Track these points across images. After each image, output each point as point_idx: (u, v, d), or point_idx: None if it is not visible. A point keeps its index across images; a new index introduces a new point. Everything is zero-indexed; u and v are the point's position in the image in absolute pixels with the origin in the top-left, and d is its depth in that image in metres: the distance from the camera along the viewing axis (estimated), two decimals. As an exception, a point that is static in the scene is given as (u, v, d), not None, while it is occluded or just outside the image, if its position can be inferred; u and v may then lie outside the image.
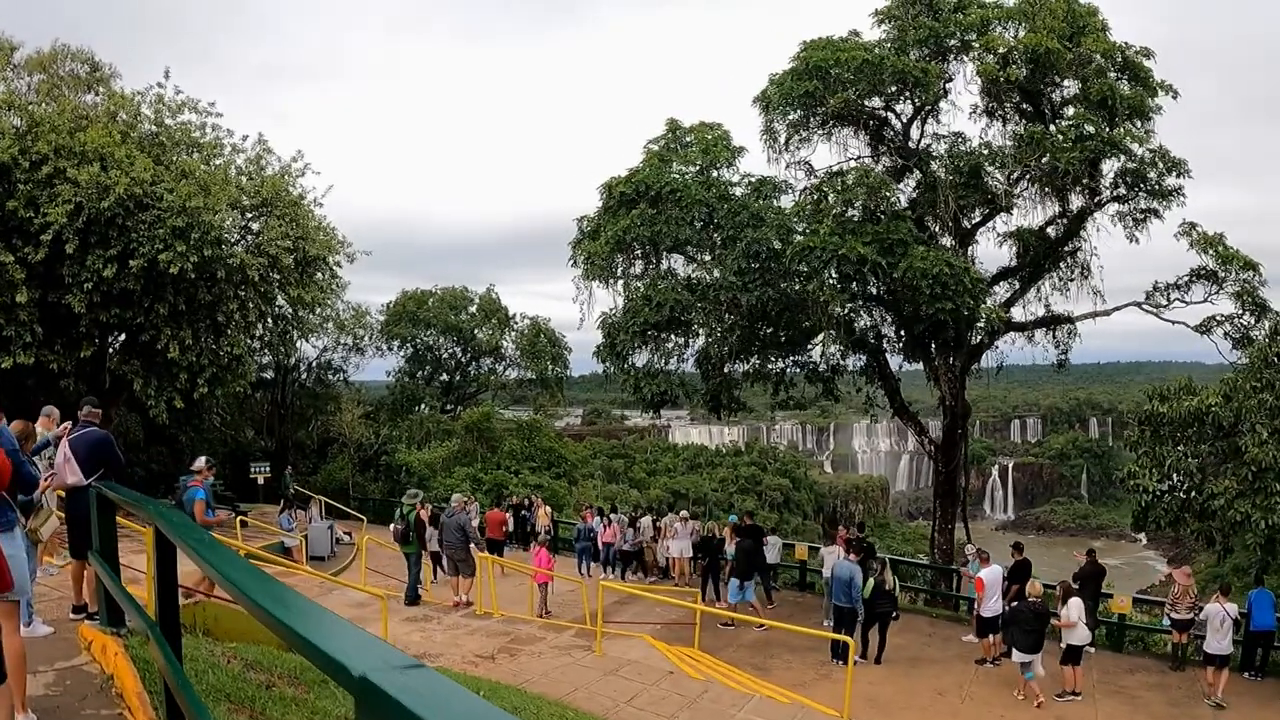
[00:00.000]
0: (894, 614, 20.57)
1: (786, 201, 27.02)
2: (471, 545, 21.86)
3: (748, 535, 25.52)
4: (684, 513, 29.72)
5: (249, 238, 29.71)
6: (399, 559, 29.12)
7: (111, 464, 9.81)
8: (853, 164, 27.36)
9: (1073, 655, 18.67)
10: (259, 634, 11.28)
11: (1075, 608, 18.63)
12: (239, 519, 28.70)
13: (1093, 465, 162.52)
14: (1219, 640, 18.55)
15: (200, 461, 16.28)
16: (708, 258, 26.87)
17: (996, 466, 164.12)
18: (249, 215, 30.03)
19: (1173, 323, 28.10)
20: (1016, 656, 18.46)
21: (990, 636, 20.35)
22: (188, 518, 5.12)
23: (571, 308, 32.18)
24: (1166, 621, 21.64)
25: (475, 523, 27.20)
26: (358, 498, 42.62)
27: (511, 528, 33.56)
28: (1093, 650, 21.94)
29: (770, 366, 29.98)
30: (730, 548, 26.64)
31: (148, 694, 6.96)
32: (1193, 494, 22.18)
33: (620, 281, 27.41)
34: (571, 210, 43.47)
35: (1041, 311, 29.95)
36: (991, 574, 20.67)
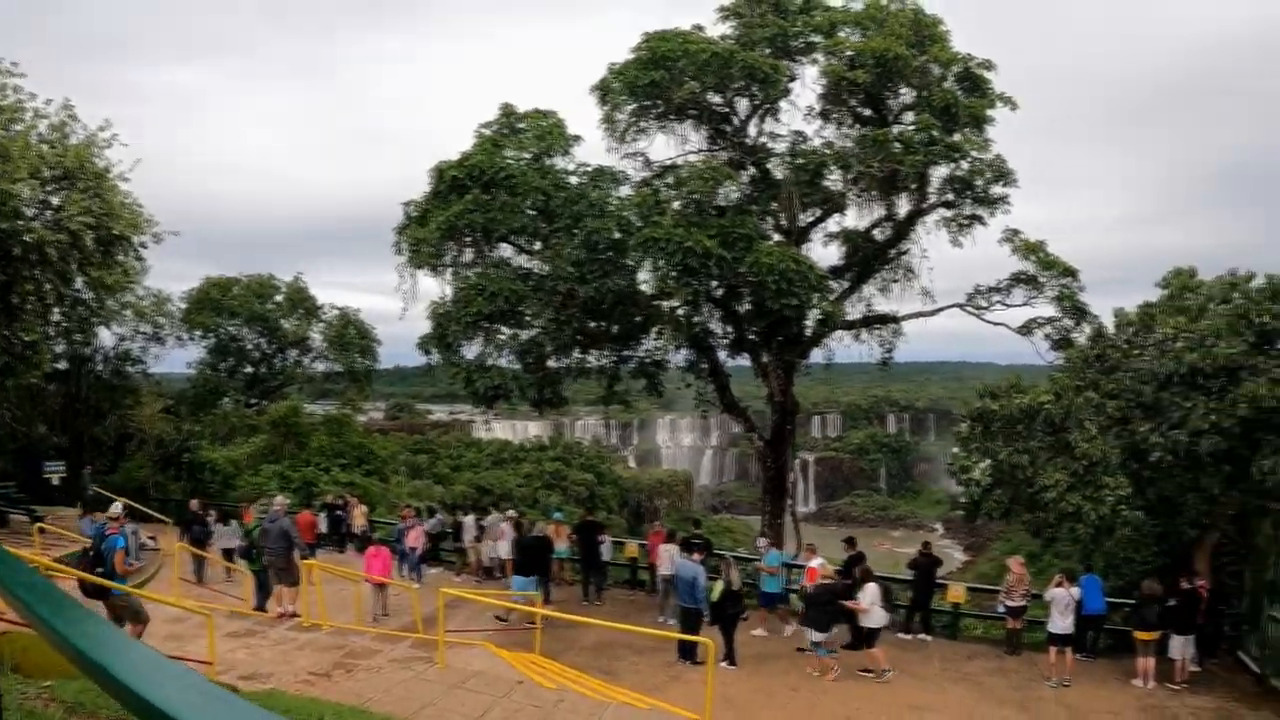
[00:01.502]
0: (743, 614, 20.57)
1: (624, 192, 26.58)
2: (295, 552, 20.75)
3: (584, 532, 25.33)
4: (511, 512, 28.91)
5: (48, 212, 27.72)
6: (209, 568, 27.87)
7: None
8: (691, 157, 27.03)
9: (871, 637, 19.79)
10: (68, 668, 10.28)
11: (870, 593, 19.76)
12: (36, 525, 27.00)
13: (891, 459, 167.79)
14: (1062, 622, 19.79)
15: (116, 507, 16.54)
16: (540, 247, 26.21)
17: (799, 460, 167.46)
18: (49, 187, 27.94)
19: (994, 324, 28.70)
20: (811, 635, 19.39)
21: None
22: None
23: (381, 300, 31.14)
24: (1001, 609, 22.27)
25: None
26: (159, 499, 40.50)
27: (325, 529, 32.44)
28: (928, 638, 23.18)
29: (602, 361, 29.50)
30: (561, 545, 26.29)
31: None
32: (1023, 486, 22.57)
33: (450, 270, 26.54)
34: (384, 202, 42.10)
35: (865, 311, 30.15)
36: (820, 564, 21.53)
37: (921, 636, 23.18)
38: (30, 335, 28.40)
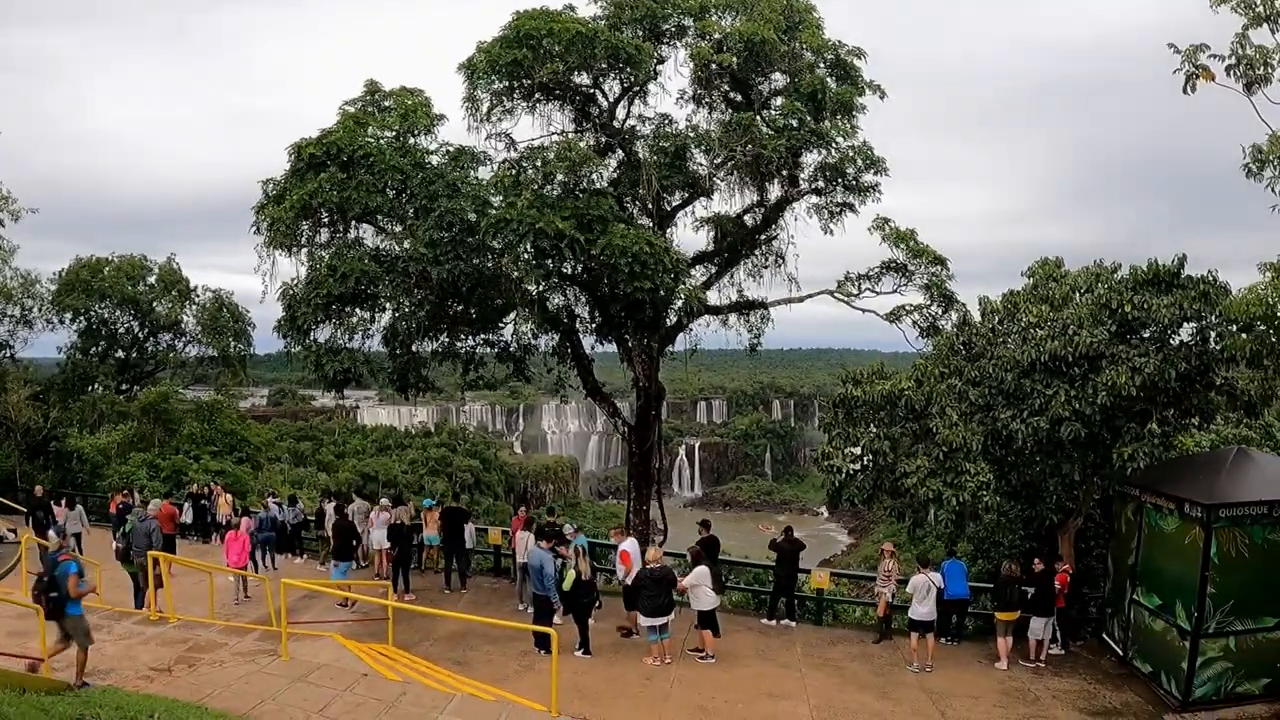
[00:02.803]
0: (596, 603, 20.50)
1: (485, 173, 26.22)
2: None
3: (448, 518, 25.19)
4: (384, 500, 28.52)
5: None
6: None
7: None
8: (556, 139, 26.72)
9: (704, 620, 20.00)
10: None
11: (698, 575, 19.92)
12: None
13: (776, 445, 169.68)
14: (922, 608, 19.94)
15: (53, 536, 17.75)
16: (399, 228, 25.77)
17: (684, 446, 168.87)
18: None
19: (863, 311, 28.76)
20: (643, 620, 19.40)
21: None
22: None
23: (255, 281, 30.56)
24: (890, 595, 22.54)
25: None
26: (26, 489, 39.45)
27: (190, 519, 31.86)
28: (793, 624, 23.31)
29: (460, 345, 29.12)
30: (430, 533, 26.14)
31: None
32: (885, 472, 22.71)
33: (305, 250, 26.01)
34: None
35: (735, 296, 30.12)
36: (632, 545, 21.61)
37: (785, 623, 23.25)
38: None
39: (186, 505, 31.74)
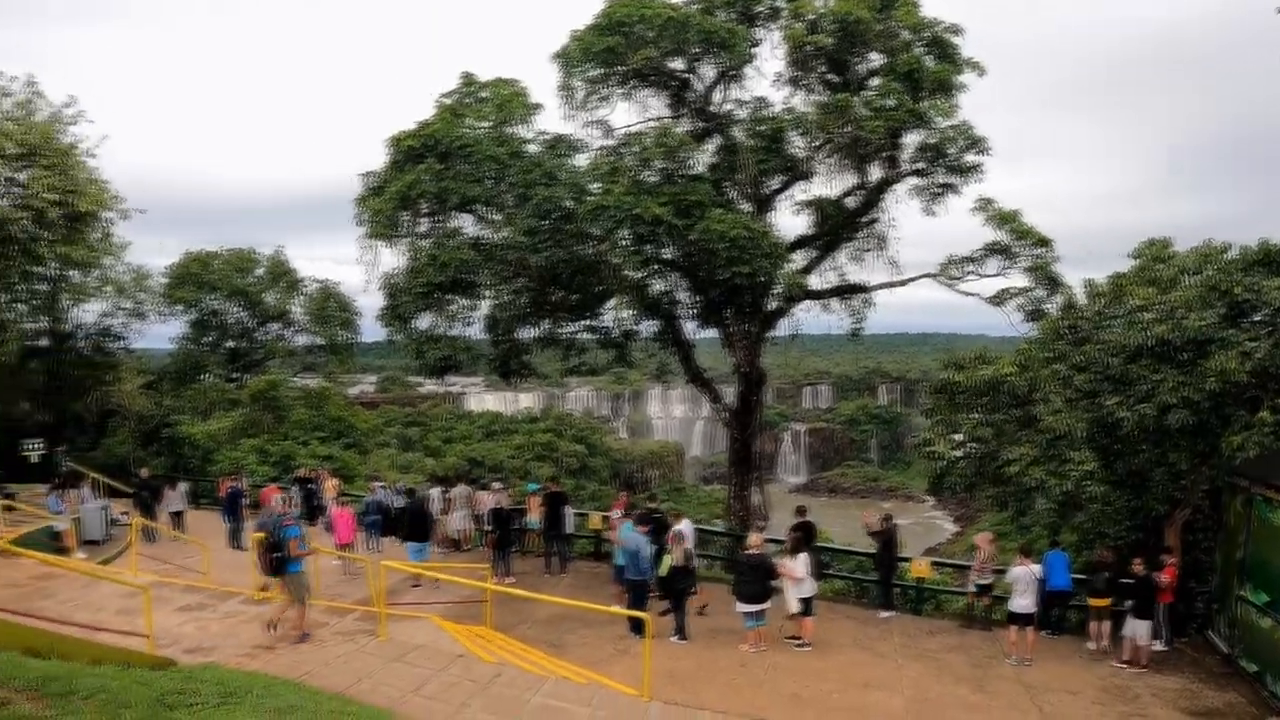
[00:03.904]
0: (693, 590, 20.40)
1: (582, 161, 26.31)
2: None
3: (549, 503, 25.32)
4: (496, 484, 28.83)
5: (14, 190, 27.69)
6: (178, 545, 27.87)
7: None
8: (652, 124, 26.70)
9: (802, 606, 19.67)
10: (1, 639, 10.18)
11: (801, 562, 19.60)
12: (4, 502, 26.97)
13: (881, 430, 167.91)
14: (1023, 600, 19.44)
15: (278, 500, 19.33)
16: (498, 217, 25.95)
17: (789, 431, 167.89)
18: (14, 165, 27.92)
19: (966, 295, 28.25)
20: (740, 607, 19.26)
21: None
22: None
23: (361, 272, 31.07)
24: (973, 587, 22.26)
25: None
26: (135, 475, 40.52)
27: (299, 504, 32.42)
28: (890, 615, 22.69)
29: (561, 331, 29.24)
30: (532, 517, 26.31)
31: None
32: (988, 460, 22.37)
33: (405, 240, 26.30)
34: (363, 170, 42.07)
35: (836, 280, 29.82)
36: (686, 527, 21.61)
37: (883, 613, 23.01)
38: (-2, 313, 28.33)
39: (294, 489, 32.23)
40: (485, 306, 27.48)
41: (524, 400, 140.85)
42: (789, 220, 28.51)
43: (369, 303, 51.50)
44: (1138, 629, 19.19)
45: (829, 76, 27.04)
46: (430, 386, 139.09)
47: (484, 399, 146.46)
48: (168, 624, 16.50)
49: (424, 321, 26.86)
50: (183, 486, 32.26)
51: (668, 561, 19.65)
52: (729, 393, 30.98)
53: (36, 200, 26.59)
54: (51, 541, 25.05)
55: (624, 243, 23.24)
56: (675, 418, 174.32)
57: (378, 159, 27.19)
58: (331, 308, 56.82)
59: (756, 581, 19.11)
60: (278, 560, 16.77)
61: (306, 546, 17.46)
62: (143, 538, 26.98)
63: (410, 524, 24.36)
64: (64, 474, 34.01)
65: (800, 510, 23.81)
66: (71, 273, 31.87)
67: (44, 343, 42.72)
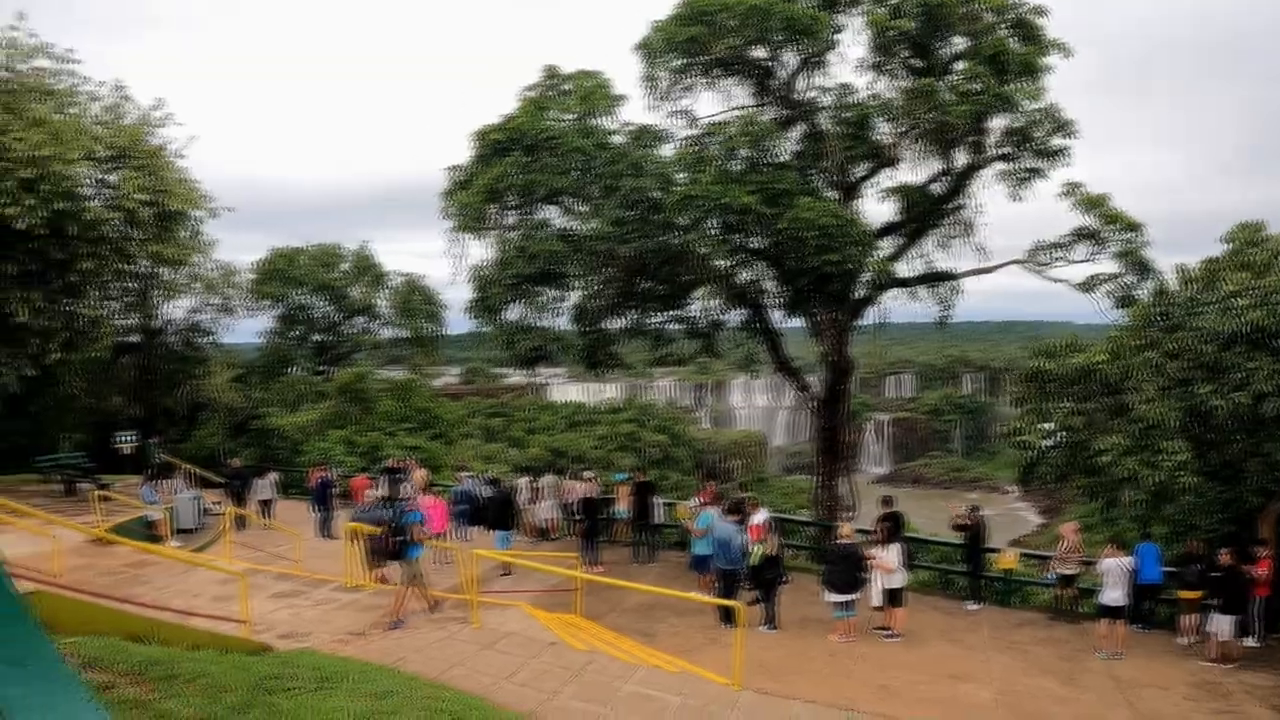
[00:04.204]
0: (783, 579, 20.35)
1: (668, 151, 26.34)
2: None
3: (637, 492, 25.35)
4: (588, 474, 28.98)
5: (105, 191, 28.26)
6: (269, 534, 28.25)
7: None
8: (737, 113, 26.62)
9: (892, 597, 19.62)
10: (102, 624, 10.38)
11: (893, 552, 19.52)
12: (100, 493, 27.53)
13: (965, 420, 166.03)
14: (1114, 593, 19.14)
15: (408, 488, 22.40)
16: (584, 208, 26.04)
17: (873, 421, 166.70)
18: (105, 167, 28.49)
19: (1055, 281, 27.94)
20: (829, 597, 19.24)
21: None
22: None
23: (446, 265, 31.43)
24: (1052, 576, 21.93)
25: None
26: (225, 466, 41.22)
27: (385, 493, 32.68)
28: (977, 607, 22.47)
29: (649, 321, 29.28)
30: (620, 506, 26.38)
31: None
32: (1079, 450, 22.04)
33: (493, 233, 26.48)
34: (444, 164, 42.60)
35: (923, 268, 29.58)
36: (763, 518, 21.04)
37: (970, 604, 22.81)
38: (92, 310, 28.90)
39: (382, 478, 32.55)
40: (573, 297, 27.63)
41: (607, 391, 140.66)
42: (874, 208, 28.33)
43: (452, 295, 52.09)
44: (1222, 624, 18.80)
45: (912, 61, 26.80)
46: (514, 378, 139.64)
47: (567, 390, 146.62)
48: (262, 610, 16.76)
49: (513, 313, 27.05)
50: (272, 476, 33.14)
51: (759, 551, 19.62)
52: (813, 382, 30.85)
53: (128, 200, 27.09)
54: (146, 530, 25.51)
55: (712, 232, 23.21)
56: (758, 407, 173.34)
57: (460, 154, 27.47)
58: (416, 301, 57.57)
59: (847, 571, 19.04)
60: (400, 544, 17.49)
61: (427, 531, 18.41)
62: (234, 525, 27.44)
63: (496, 513, 24.59)
64: (157, 465, 34.65)
65: (887, 500, 23.64)
66: (162, 270, 32.39)
67: (135, 339, 43.62)
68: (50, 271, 26.86)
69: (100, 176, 28.44)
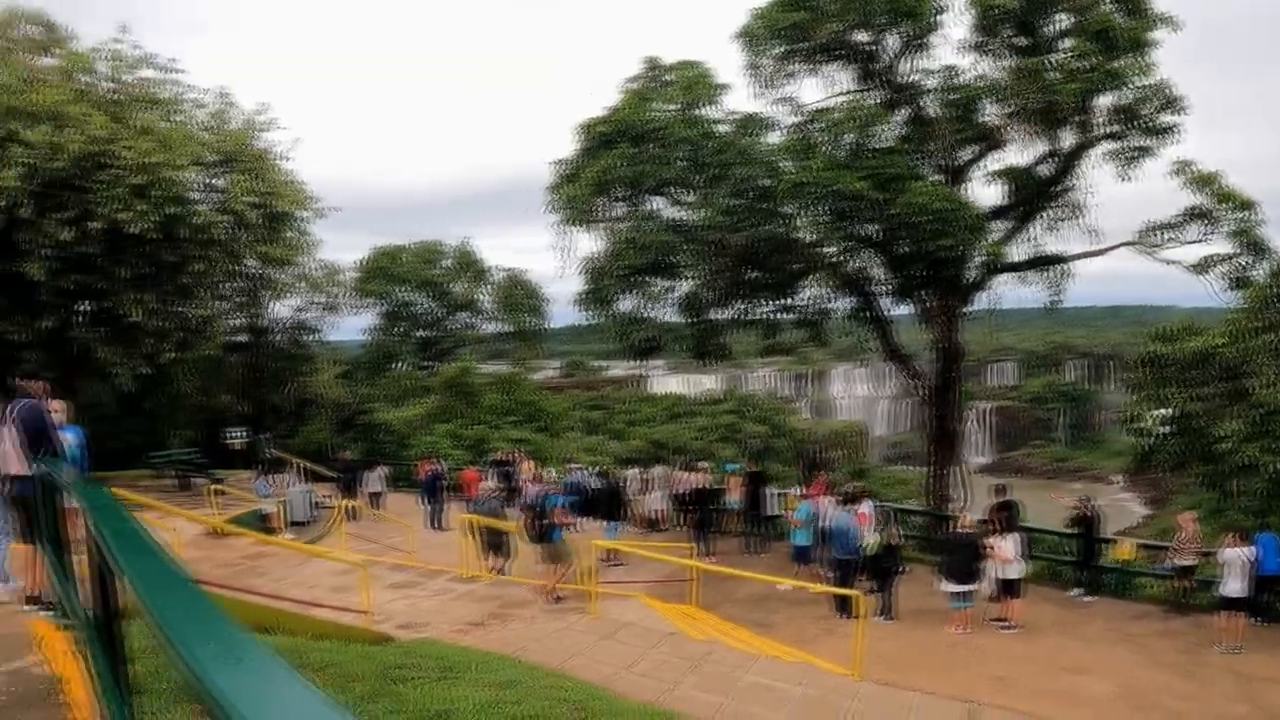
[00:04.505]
0: (901, 568, 20.15)
1: (774, 139, 26.20)
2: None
3: (749, 484, 25.29)
4: (702, 464, 29.10)
5: (213, 195, 28.88)
6: (379, 525, 28.51)
7: (48, 437, 9.13)
8: (841, 99, 26.40)
9: (1009, 588, 19.18)
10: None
11: (1011, 542, 19.09)
12: (215, 487, 28.04)
13: (1069, 408, 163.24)
14: (1235, 584, 18.45)
15: (552, 472, 21.90)
16: (691, 198, 25.99)
17: (974, 410, 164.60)
18: (213, 171, 29.17)
19: (1168, 263, 27.20)
20: (947, 587, 18.98)
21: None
22: (114, 502, 4.34)
23: (546, 261, 31.60)
24: (1169, 567, 21.38)
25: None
26: (335, 460, 41.82)
27: (494, 485, 32.93)
28: (1091, 599, 22.01)
29: (759, 311, 29.08)
30: (733, 497, 26.32)
31: (99, 702, 6.09)
32: (1197, 436, 21.55)
33: (602, 225, 26.55)
34: (539, 162, 42.97)
35: (1031, 252, 29.07)
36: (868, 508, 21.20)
37: (1083, 596, 22.26)
38: (204, 310, 29.50)
39: (491, 472, 32.81)
40: (682, 288, 27.59)
41: (707, 382, 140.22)
42: (980, 191, 27.75)
43: (559, 289, 52.64)
44: None
45: (1015, 40, 26.25)
46: (614, 370, 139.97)
47: (667, 381, 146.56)
48: (380, 600, 16.82)
49: (625, 304, 27.09)
50: (381, 470, 33.68)
51: (878, 540, 19.45)
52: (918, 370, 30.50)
53: (236, 203, 27.61)
54: (260, 523, 25.91)
55: (823, 219, 23.02)
56: (858, 397, 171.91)
57: (549, 149, 27.55)
58: (518, 295, 58.10)
59: (966, 561, 18.81)
60: (545, 527, 18.41)
61: (569, 515, 19.29)
62: (346, 517, 27.85)
63: (606, 504, 24.69)
64: (269, 460, 35.29)
65: (1001, 489, 23.19)
66: (270, 270, 33.03)
67: (243, 338, 44.48)
68: (162, 274, 27.44)
69: (208, 181, 29.07)
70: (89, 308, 28.51)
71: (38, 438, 8.98)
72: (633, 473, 29.48)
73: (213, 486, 28.41)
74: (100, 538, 3.79)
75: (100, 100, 27.05)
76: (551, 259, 28.47)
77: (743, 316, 28.89)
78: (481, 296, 59.65)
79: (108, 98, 27.49)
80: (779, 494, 28.61)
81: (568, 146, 27.49)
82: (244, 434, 40.99)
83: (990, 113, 26.29)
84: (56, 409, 10.40)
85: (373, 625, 14.79)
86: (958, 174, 27.10)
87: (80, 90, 26.75)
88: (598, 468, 33.05)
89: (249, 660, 2.11)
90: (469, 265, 59.18)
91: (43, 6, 29.35)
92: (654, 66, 27.57)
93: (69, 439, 10.54)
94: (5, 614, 9.43)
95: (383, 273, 57.05)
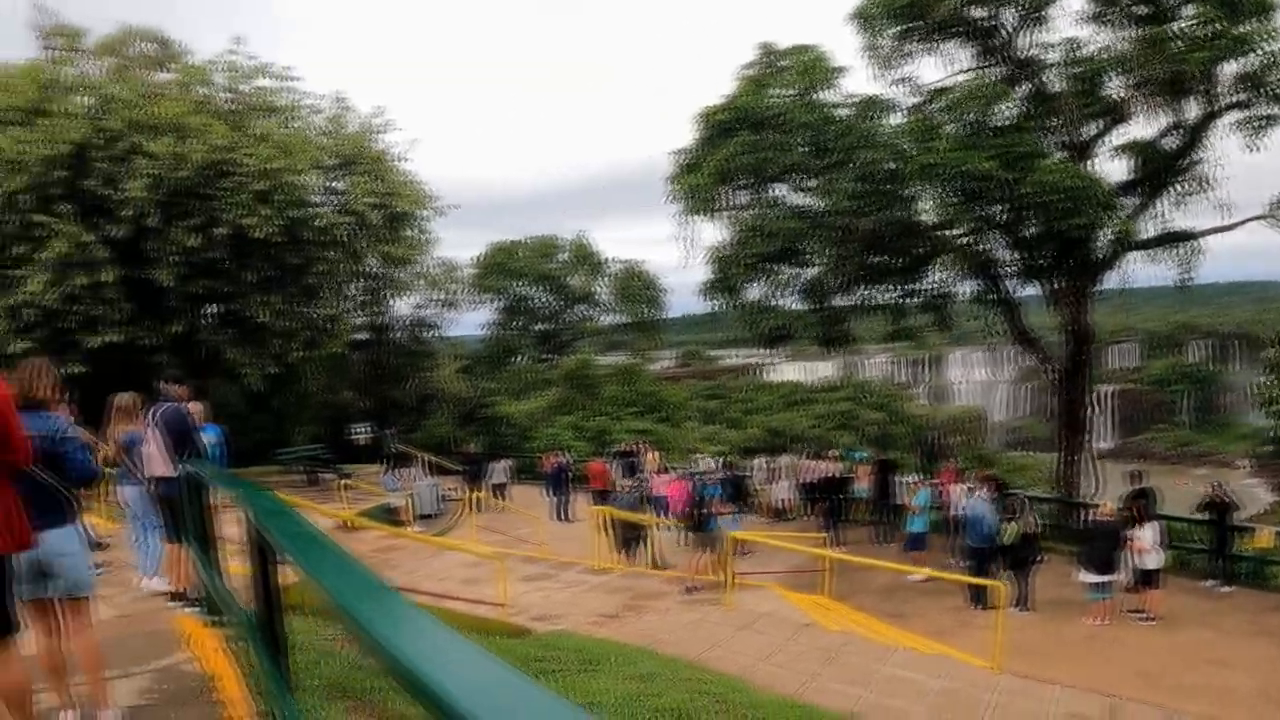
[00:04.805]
0: (1039, 558, 19.70)
1: (895, 121, 25.85)
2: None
3: (879, 472, 25.02)
4: (834, 452, 28.93)
5: (334, 197, 29.42)
6: (507, 518, 28.65)
7: (191, 439, 9.30)
8: (961, 77, 25.99)
9: (1147, 578, 18.59)
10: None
11: (1150, 531, 18.51)
12: (343, 482, 28.45)
13: (1193, 390, 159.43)
14: None
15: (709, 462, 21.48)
16: (814, 184, 25.75)
17: (1096, 393, 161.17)
18: (332, 175, 29.79)
19: (1304, 236, 26.33)
20: (1085, 577, 18.47)
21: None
22: (280, 503, 4.32)
23: (660, 251, 31.66)
24: None
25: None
26: (458, 452, 42.23)
27: (619, 477, 32.92)
28: (1229, 589, 21.21)
29: (887, 296, 28.65)
30: (861, 485, 26.07)
31: (254, 699, 6.10)
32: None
33: (725, 214, 26.46)
34: (647, 155, 43.08)
35: (1160, 229, 28.28)
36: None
37: (1220, 587, 21.45)
38: (329, 310, 29.99)
39: (615, 463, 32.90)
40: (807, 275, 27.36)
41: (822, 369, 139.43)
42: (1105, 166, 27.02)
43: (671, 280, 52.86)
44: None
45: (1135, 9, 25.48)
46: (729, 359, 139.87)
47: (783, 369, 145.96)
48: (514, 592, 16.88)
49: (753, 292, 26.97)
50: (506, 462, 34.05)
51: (1015, 529, 19.03)
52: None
53: (357, 205, 28.04)
54: (388, 516, 26.24)
55: (951, 201, 22.64)
56: (976, 382, 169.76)
57: (656, 140, 27.53)
58: (636, 286, 58.37)
59: (1105, 551, 18.31)
60: (703, 516, 18.74)
61: (726, 506, 19.66)
62: (472, 510, 28.09)
63: (730, 494, 24.57)
64: (394, 454, 35.76)
65: (1136, 476, 22.51)
66: (392, 269, 33.54)
67: (364, 336, 45.15)
68: (287, 275, 27.97)
69: (328, 184, 29.62)
70: (216, 311, 29.16)
71: (181, 439, 9.11)
72: (759, 461, 29.31)
73: (341, 481, 28.81)
74: (268, 533, 3.80)
75: (219, 110, 27.79)
76: (650, 250, 28.49)
77: (866, 302, 28.51)
78: (598, 288, 60.07)
79: (226, 108, 28.18)
80: (907, 482, 28.25)
81: (683, 137, 27.53)
82: (368, 429, 41.59)
83: (1114, 85, 25.59)
84: (196, 410, 10.61)
85: (509, 617, 14.84)
86: (1083, 150, 26.39)
87: (199, 101, 27.48)
88: (723, 458, 32.94)
89: (451, 650, 2.04)
90: (585, 258, 59.66)
91: (157, 24, 30.21)
92: (769, 52, 27.36)
93: (209, 438, 10.76)
94: (152, 611, 9.58)
95: (500, 268, 57.86)
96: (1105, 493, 25.76)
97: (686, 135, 27.50)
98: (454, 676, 1.77)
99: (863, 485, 26.46)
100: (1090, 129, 26.42)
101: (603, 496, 27.76)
